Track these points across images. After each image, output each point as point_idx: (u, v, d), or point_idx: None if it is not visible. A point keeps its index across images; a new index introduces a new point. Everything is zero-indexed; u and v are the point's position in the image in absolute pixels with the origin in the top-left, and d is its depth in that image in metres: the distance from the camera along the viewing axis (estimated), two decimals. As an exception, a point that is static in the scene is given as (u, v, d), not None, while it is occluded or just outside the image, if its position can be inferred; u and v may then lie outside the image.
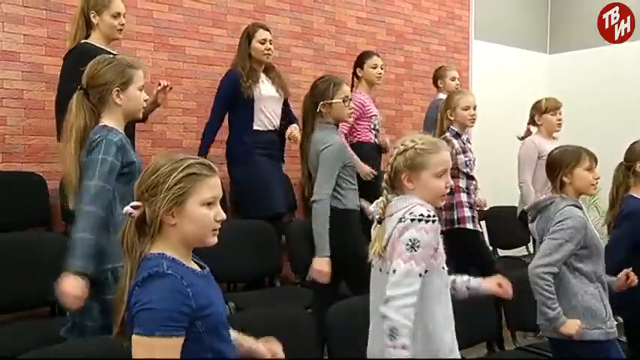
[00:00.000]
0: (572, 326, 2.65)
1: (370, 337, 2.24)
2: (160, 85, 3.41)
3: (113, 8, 3.41)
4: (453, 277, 2.29)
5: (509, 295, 2.39)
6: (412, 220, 2.04)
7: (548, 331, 2.81)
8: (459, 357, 2.16)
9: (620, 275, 2.86)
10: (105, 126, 2.48)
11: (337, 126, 3.38)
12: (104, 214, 2.39)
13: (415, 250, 2.02)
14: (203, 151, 4.04)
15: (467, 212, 3.81)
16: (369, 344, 2.23)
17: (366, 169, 4.22)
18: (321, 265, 3.11)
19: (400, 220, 2.08)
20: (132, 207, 1.72)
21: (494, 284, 2.37)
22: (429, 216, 2.05)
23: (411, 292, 2.01)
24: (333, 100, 3.28)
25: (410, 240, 2.02)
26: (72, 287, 2.28)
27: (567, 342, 2.72)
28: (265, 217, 4.05)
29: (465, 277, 2.34)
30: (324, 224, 3.14)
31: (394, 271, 2.02)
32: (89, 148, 2.43)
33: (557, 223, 2.72)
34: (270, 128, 4.17)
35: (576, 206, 2.77)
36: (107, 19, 3.40)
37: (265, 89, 4.15)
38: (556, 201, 2.79)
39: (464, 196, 3.83)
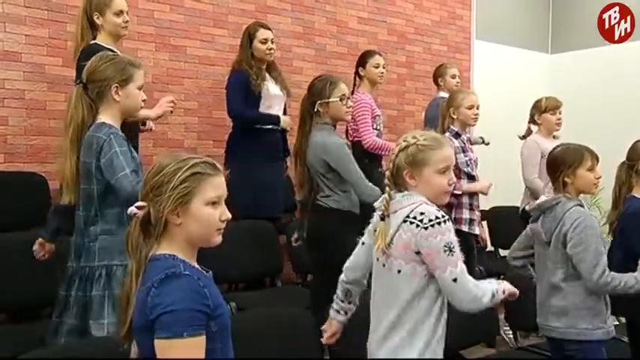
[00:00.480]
0: None
1: (371, 333, 2.23)
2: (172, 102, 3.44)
3: (115, 6, 3.42)
4: None
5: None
6: (432, 225, 2.03)
7: (548, 331, 2.81)
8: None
9: None
10: (104, 123, 2.50)
11: (335, 126, 3.38)
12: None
13: (454, 250, 2.04)
14: (264, 117, 4.10)
15: (465, 214, 3.79)
16: (369, 342, 2.23)
17: None
18: None
19: (408, 219, 2.08)
20: (136, 207, 1.72)
21: None
22: (443, 216, 2.06)
23: (473, 280, 2.06)
24: (330, 99, 3.28)
25: (445, 246, 2.02)
26: None
27: (566, 342, 2.72)
28: (258, 218, 4.06)
29: None
30: None
31: (455, 280, 2.02)
32: (97, 148, 2.44)
33: (575, 227, 2.69)
34: (274, 127, 4.17)
35: (581, 205, 2.77)
36: (111, 18, 3.41)
37: (272, 87, 4.15)
38: (562, 201, 2.77)
39: (465, 198, 3.80)
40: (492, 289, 2.09)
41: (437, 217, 2.04)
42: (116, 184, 2.43)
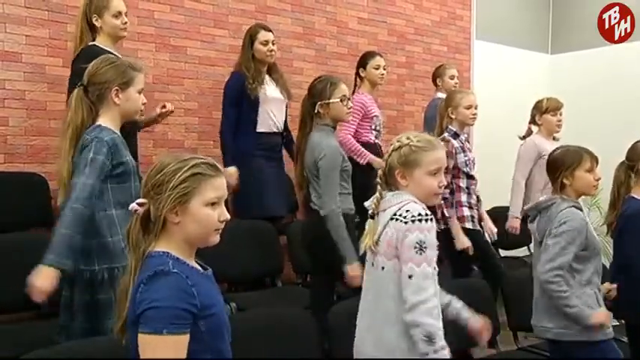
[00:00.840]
0: (599, 317, 2.66)
1: (358, 333, 2.24)
2: (164, 107, 3.50)
3: (113, 8, 3.43)
4: (450, 297, 2.31)
5: (482, 343, 2.38)
6: (413, 221, 2.05)
7: (542, 332, 2.82)
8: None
9: (605, 284, 2.88)
10: (99, 125, 2.51)
11: (334, 128, 3.38)
12: (90, 212, 2.42)
13: (424, 252, 2.04)
14: (229, 156, 4.02)
15: (466, 211, 3.82)
16: (357, 341, 2.24)
17: (379, 161, 4.13)
18: (355, 271, 3.07)
19: (394, 217, 2.10)
20: (137, 204, 1.74)
21: (480, 327, 2.31)
22: (426, 214, 2.08)
23: (433, 294, 2.04)
24: (331, 100, 3.28)
25: (417, 243, 2.04)
26: (41, 281, 2.30)
27: (564, 343, 2.72)
28: (260, 219, 4.05)
29: (459, 305, 2.32)
30: (342, 234, 3.13)
31: (410, 276, 2.03)
32: (81, 148, 2.45)
33: (559, 225, 2.71)
34: (274, 130, 4.18)
35: (577, 207, 2.78)
36: (109, 20, 3.42)
37: (270, 91, 4.15)
38: (557, 202, 2.79)
39: (464, 196, 3.83)
40: (438, 341, 2.00)
41: (420, 215, 2.07)
42: (71, 186, 2.44)
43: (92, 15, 3.42)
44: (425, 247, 2.03)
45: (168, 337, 1.58)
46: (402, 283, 2.05)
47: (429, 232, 2.06)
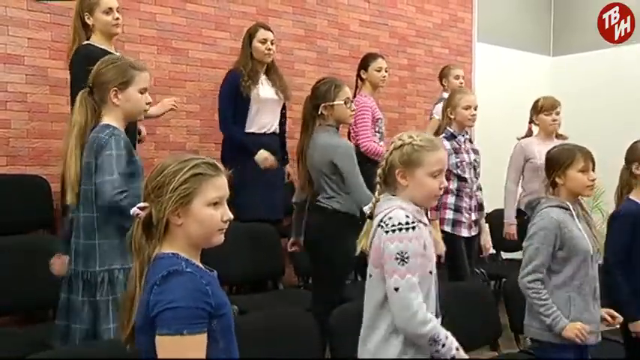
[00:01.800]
0: (571, 330, 2.62)
1: (361, 339, 2.21)
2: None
3: (103, 5, 3.41)
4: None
5: None
6: (393, 230, 2.02)
7: (530, 332, 2.81)
8: None
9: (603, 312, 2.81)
10: (108, 125, 2.50)
11: (338, 128, 3.39)
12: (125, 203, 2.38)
13: (406, 262, 2.00)
14: (248, 144, 4.00)
15: (448, 214, 3.75)
16: (360, 346, 2.22)
17: None
18: None
19: (380, 224, 2.07)
20: (139, 208, 1.73)
21: None
22: (407, 223, 2.03)
23: (421, 301, 2.01)
24: (335, 102, 3.29)
25: (398, 254, 2.00)
26: None
27: (543, 342, 2.72)
28: (256, 221, 4.04)
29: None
30: None
31: (396, 289, 2.00)
32: (97, 147, 2.44)
33: (531, 226, 2.73)
34: (264, 131, 4.13)
35: (560, 207, 2.73)
36: (100, 17, 3.40)
37: (264, 91, 4.11)
38: (542, 201, 2.78)
39: (451, 198, 3.75)
40: (441, 336, 2.01)
41: (400, 223, 2.02)
42: (98, 187, 2.42)
43: (84, 13, 3.40)
44: (407, 257, 2.00)
45: (189, 338, 1.57)
46: (388, 295, 2.03)
47: (410, 241, 2.01)
